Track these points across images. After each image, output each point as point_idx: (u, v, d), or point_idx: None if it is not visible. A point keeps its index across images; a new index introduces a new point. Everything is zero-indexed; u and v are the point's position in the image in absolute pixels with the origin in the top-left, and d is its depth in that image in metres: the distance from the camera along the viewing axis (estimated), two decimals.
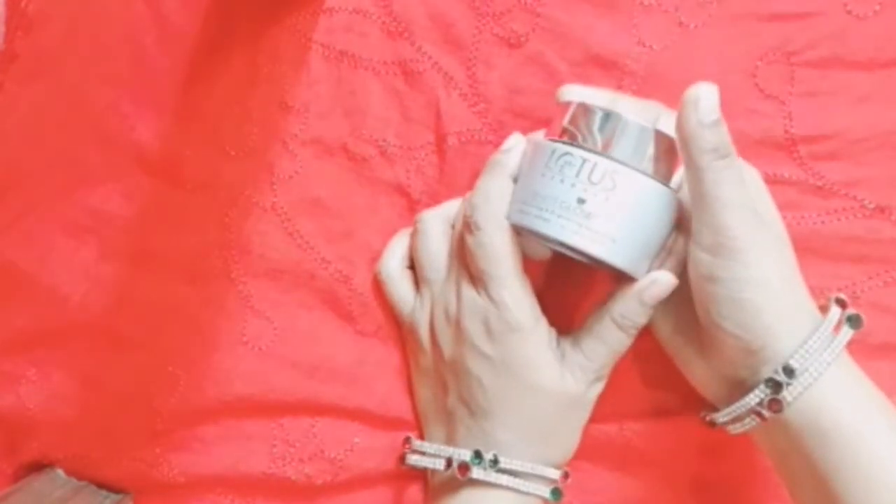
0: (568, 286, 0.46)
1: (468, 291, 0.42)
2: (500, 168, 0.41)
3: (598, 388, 0.43)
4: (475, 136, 0.46)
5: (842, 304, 0.40)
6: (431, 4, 0.47)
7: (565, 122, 0.39)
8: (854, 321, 0.39)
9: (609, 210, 0.37)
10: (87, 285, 0.47)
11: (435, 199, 0.47)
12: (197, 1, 0.47)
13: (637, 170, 0.38)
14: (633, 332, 0.41)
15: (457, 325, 0.42)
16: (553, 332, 0.42)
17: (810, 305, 0.39)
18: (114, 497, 0.48)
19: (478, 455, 0.41)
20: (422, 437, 0.46)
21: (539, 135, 0.42)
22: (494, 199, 0.41)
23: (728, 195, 0.36)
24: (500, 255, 0.40)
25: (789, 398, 0.37)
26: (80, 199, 0.48)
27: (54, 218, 0.47)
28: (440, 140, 0.47)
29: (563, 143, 0.39)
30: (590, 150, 0.38)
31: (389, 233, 0.47)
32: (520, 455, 0.41)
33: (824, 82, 0.45)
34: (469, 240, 0.41)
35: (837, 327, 0.38)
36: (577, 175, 0.38)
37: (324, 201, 0.48)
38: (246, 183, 0.48)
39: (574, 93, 0.41)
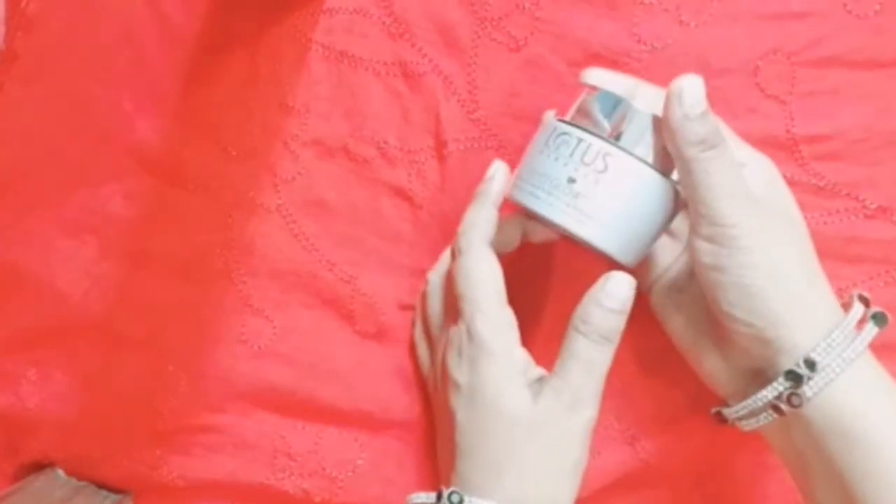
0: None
1: (453, 326, 0.41)
2: (484, 197, 0.41)
3: (583, 417, 0.38)
4: (473, 144, 0.46)
5: (865, 301, 0.39)
6: (432, 6, 0.47)
7: (575, 104, 0.40)
8: (879, 319, 0.37)
9: (598, 192, 0.37)
10: (88, 285, 0.47)
11: (438, 207, 0.47)
12: (197, 1, 0.47)
13: (631, 154, 0.37)
14: (602, 341, 0.38)
15: (442, 364, 0.41)
16: (532, 363, 0.40)
17: (831, 299, 0.38)
18: (114, 497, 0.48)
19: (439, 497, 0.38)
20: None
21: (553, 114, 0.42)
22: (478, 225, 0.41)
23: (718, 183, 0.36)
24: (477, 278, 0.40)
25: (809, 393, 0.36)
26: (80, 199, 0.48)
27: (54, 218, 0.47)
28: (440, 146, 0.47)
29: (565, 122, 0.39)
30: (587, 131, 0.38)
31: (393, 235, 0.47)
32: (490, 495, 0.37)
33: (825, 82, 0.45)
34: (453, 266, 0.41)
35: (861, 324, 0.37)
36: (571, 154, 0.38)
37: (328, 203, 0.48)
38: (249, 184, 0.48)
39: (595, 76, 0.41)
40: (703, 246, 0.37)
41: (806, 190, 0.45)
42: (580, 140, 0.38)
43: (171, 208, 0.48)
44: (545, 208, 0.38)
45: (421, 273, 0.47)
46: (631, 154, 0.37)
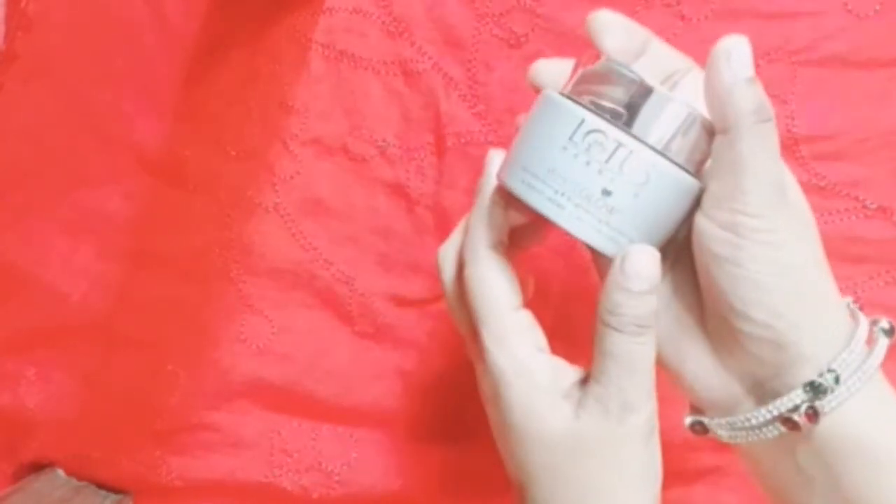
0: None
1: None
2: (482, 196, 0.36)
3: (638, 420, 0.33)
4: (474, 138, 0.46)
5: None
6: (431, 5, 0.47)
7: (598, 83, 0.33)
8: (888, 330, 0.34)
9: (636, 206, 0.32)
10: (87, 285, 0.47)
11: (434, 200, 0.47)
12: (197, 1, 0.47)
13: (676, 164, 0.32)
14: (638, 331, 0.32)
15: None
16: (564, 368, 0.34)
17: (842, 305, 0.34)
18: (114, 497, 0.48)
19: None
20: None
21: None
22: (477, 228, 0.35)
23: (761, 166, 0.31)
24: (480, 290, 0.34)
25: (827, 408, 0.31)
26: (80, 199, 0.48)
27: (54, 218, 0.48)
28: (439, 141, 0.47)
29: (593, 112, 0.32)
30: (626, 133, 0.31)
31: (390, 234, 0.47)
32: None
33: (825, 82, 0.45)
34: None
35: (869, 334, 0.33)
36: (608, 161, 0.31)
37: (325, 202, 0.48)
38: (248, 183, 0.48)
39: (605, 21, 0.35)
40: (717, 233, 0.32)
41: (806, 190, 0.44)
42: (619, 145, 0.31)
43: (171, 208, 0.48)
44: (573, 223, 0.32)
45: (418, 271, 0.47)
46: (676, 164, 0.32)
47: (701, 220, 0.32)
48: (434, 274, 0.47)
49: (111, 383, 0.48)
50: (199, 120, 0.48)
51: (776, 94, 0.45)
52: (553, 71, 0.36)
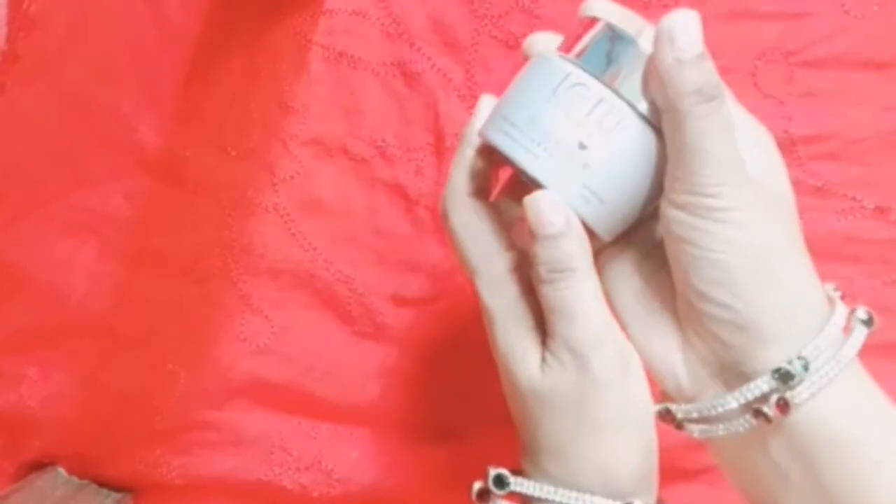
0: None
1: None
2: (465, 141, 0.35)
3: (594, 370, 0.31)
4: None
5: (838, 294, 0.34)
6: (431, 6, 0.47)
7: (587, 41, 0.32)
8: (868, 320, 0.33)
9: (609, 165, 0.31)
10: (88, 284, 0.48)
11: (434, 200, 0.47)
12: (197, 1, 0.47)
13: (660, 131, 0.31)
14: (558, 277, 0.31)
15: None
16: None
17: (819, 291, 0.32)
18: (115, 496, 0.48)
19: (489, 479, 0.34)
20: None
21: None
22: (455, 177, 0.35)
23: (709, 147, 0.30)
24: (465, 236, 0.34)
25: (797, 399, 0.30)
26: (80, 199, 0.48)
27: (55, 218, 0.48)
28: (439, 141, 0.47)
29: (580, 66, 0.32)
30: (610, 90, 0.31)
31: (390, 234, 0.48)
32: (534, 475, 0.33)
33: (823, 82, 0.45)
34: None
35: (846, 323, 0.32)
36: (588, 114, 0.31)
37: (325, 202, 0.48)
38: (247, 183, 0.48)
39: (600, 7, 0.34)
40: (678, 216, 0.31)
41: (804, 190, 0.45)
42: (601, 99, 0.31)
43: (171, 208, 0.48)
44: (545, 174, 0.31)
45: (418, 271, 0.47)
46: (661, 132, 0.31)
47: (663, 204, 0.32)
48: (434, 274, 0.48)
49: (111, 383, 0.48)
50: (199, 120, 0.48)
51: (773, 94, 0.45)
52: (546, 41, 0.36)
